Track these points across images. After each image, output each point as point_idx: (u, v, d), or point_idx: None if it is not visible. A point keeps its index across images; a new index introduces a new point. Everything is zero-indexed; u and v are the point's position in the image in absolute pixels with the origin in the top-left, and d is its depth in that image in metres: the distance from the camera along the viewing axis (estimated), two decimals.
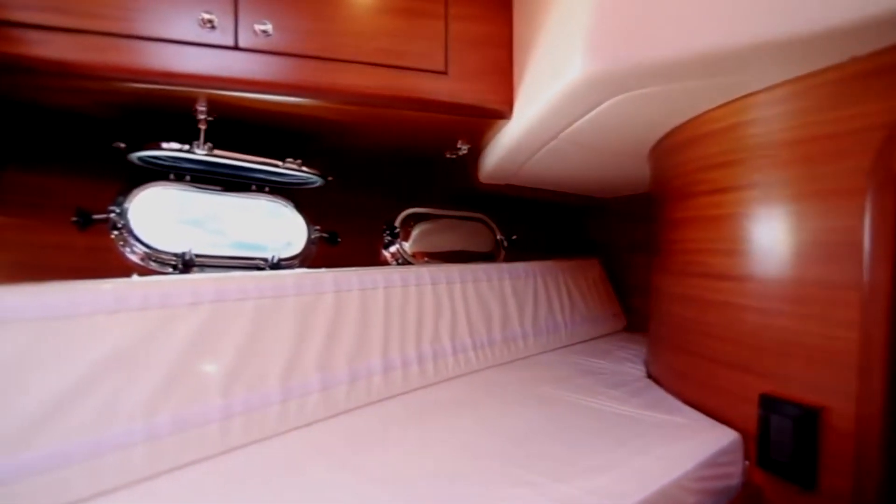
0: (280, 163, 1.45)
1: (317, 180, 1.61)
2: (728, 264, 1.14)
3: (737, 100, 1.10)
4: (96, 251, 1.41)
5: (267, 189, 1.64)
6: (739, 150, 1.12)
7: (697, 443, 1.05)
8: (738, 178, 1.12)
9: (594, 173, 1.87)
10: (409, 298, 1.46)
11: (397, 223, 1.93)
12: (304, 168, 1.50)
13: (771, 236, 1.06)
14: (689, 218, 1.29)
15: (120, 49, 1.08)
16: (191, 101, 1.24)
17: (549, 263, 2.07)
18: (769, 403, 1.03)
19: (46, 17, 1.04)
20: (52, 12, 1.04)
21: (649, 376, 1.52)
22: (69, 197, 1.42)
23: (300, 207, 1.72)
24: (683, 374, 1.31)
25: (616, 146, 1.49)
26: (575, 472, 0.94)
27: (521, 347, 1.76)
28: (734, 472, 1.06)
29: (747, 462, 1.08)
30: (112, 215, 1.39)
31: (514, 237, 2.25)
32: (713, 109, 1.17)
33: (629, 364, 1.66)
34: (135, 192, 1.42)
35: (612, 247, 2.52)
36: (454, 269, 1.65)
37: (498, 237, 2.24)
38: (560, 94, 1.14)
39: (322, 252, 1.78)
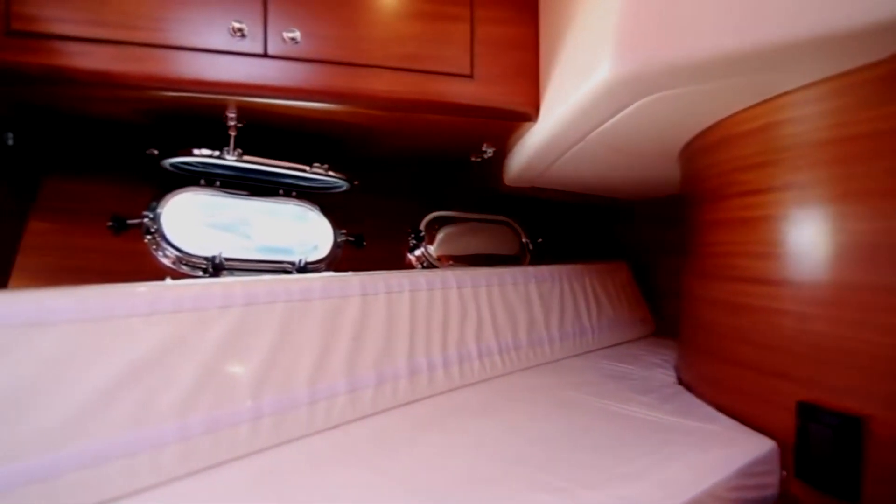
0: (307, 167, 1.47)
1: (343, 184, 1.63)
2: (763, 268, 1.11)
3: (771, 99, 1.08)
4: (130, 255, 1.45)
5: (294, 193, 1.66)
6: (774, 150, 1.09)
7: (732, 451, 1.02)
8: (773, 179, 1.09)
9: (622, 175, 1.84)
10: (434, 302, 1.46)
11: (422, 227, 1.93)
12: (331, 172, 1.52)
13: (808, 239, 1.02)
14: (722, 220, 1.26)
15: (155, 59, 1.11)
16: (221, 108, 1.26)
17: (575, 267, 2.05)
18: (807, 411, 1.00)
19: (87, 30, 1.08)
20: (92, 25, 1.08)
21: (680, 382, 1.49)
22: (105, 202, 1.47)
23: (326, 211, 1.74)
24: (717, 381, 1.27)
25: (645, 147, 1.47)
26: (604, 479, 0.92)
27: (548, 352, 1.74)
28: (770, 483, 1.03)
29: (784, 472, 1.04)
30: (145, 220, 1.42)
31: (540, 240, 2.23)
32: (746, 109, 1.14)
33: (659, 370, 1.63)
34: (167, 197, 1.45)
35: (639, 250, 2.48)
36: (480, 273, 1.65)
37: (523, 240, 2.22)
38: (588, 95, 1.12)
39: (347, 255, 1.80)
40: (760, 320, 1.11)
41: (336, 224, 1.76)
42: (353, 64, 1.23)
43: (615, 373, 1.61)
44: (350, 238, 1.78)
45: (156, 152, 1.35)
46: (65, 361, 0.87)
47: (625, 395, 1.38)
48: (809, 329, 1.00)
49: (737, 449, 1.03)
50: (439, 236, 1.96)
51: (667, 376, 1.56)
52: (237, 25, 1.13)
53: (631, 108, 1.15)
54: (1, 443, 0.79)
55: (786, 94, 1.04)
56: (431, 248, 1.91)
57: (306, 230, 1.72)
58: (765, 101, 1.09)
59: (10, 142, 1.24)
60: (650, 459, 0.99)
